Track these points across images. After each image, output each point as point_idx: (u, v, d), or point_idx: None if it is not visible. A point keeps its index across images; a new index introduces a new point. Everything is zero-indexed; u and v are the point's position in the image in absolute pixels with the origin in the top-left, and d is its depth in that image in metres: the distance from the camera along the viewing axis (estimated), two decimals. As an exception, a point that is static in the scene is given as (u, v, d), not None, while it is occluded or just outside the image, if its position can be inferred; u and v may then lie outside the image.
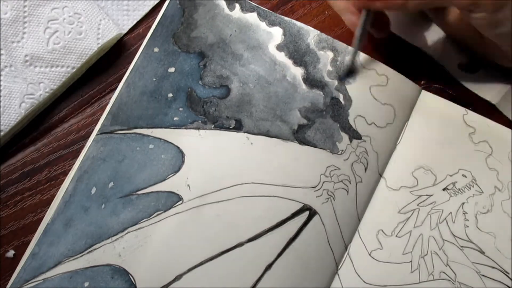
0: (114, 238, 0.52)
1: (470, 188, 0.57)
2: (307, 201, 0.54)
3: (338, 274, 0.54)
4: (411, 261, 0.55)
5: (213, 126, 0.55)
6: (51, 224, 0.52)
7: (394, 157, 0.57)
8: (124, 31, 0.61)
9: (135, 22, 0.61)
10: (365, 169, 0.56)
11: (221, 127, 0.55)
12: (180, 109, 0.56)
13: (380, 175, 0.57)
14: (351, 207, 0.55)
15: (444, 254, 0.55)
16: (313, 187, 0.55)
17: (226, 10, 0.58)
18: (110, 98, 0.56)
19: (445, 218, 0.56)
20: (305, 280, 0.53)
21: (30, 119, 0.58)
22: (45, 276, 0.51)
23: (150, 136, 0.55)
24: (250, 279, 0.52)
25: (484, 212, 0.56)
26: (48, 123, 0.58)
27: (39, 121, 0.58)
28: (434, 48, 0.61)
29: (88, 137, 0.55)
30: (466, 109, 0.58)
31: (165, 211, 0.53)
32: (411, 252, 0.55)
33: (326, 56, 0.58)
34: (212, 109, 0.56)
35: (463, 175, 0.57)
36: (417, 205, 0.56)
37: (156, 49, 0.57)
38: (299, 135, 0.55)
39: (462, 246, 0.55)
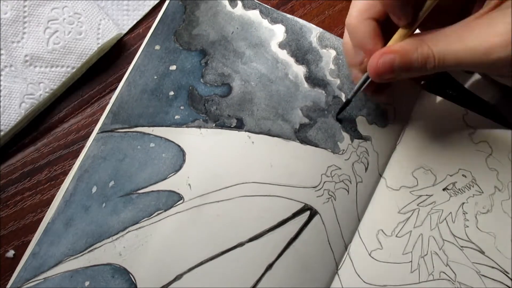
0: (114, 237, 0.52)
1: (470, 188, 0.57)
2: (308, 201, 0.54)
3: (338, 274, 0.54)
4: (411, 261, 0.55)
5: (214, 125, 0.55)
6: (52, 223, 0.52)
7: (394, 157, 0.57)
8: (124, 31, 0.61)
9: (135, 22, 0.61)
10: (366, 169, 0.56)
11: (222, 126, 0.55)
12: (181, 107, 0.55)
13: (380, 175, 0.57)
14: (351, 207, 0.55)
15: (444, 254, 0.55)
16: (314, 187, 0.55)
17: (228, 7, 0.58)
18: (110, 98, 0.56)
19: (445, 218, 0.56)
20: (305, 280, 0.53)
21: (30, 119, 0.58)
22: (45, 275, 0.51)
23: (151, 134, 0.55)
24: (251, 279, 0.52)
25: (484, 212, 0.56)
26: (48, 123, 0.58)
27: (39, 121, 0.58)
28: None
29: (88, 137, 0.55)
30: (466, 109, 0.58)
31: (165, 211, 0.53)
32: (411, 252, 0.55)
33: (329, 54, 0.58)
34: (213, 108, 0.56)
35: (463, 175, 0.57)
36: (417, 205, 0.56)
37: (157, 47, 0.57)
38: (301, 135, 0.55)
39: (462, 246, 0.55)
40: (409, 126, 0.58)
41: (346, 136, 0.56)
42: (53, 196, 0.55)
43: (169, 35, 0.57)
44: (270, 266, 0.53)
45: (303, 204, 0.54)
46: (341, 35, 0.60)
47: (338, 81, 0.57)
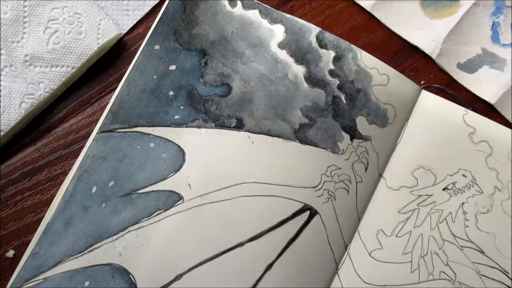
0: (114, 237, 0.52)
1: (470, 188, 0.57)
2: (308, 201, 0.54)
3: (338, 274, 0.54)
4: (411, 261, 0.55)
5: (214, 125, 0.55)
6: (52, 223, 0.52)
7: (394, 157, 0.57)
8: (124, 31, 0.61)
9: (135, 22, 0.61)
10: (366, 169, 0.56)
11: (222, 126, 0.55)
12: (181, 107, 0.55)
13: (380, 175, 0.57)
14: (351, 207, 0.56)
15: (444, 254, 0.55)
16: (314, 187, 0.55)
17: (228, 7, 0.58)
18: (110, 98, 0.56)
19: (445, 218, 0.56)
20: (305, 280, 0.53)
21: (30, 119, 0.58)
22: (45, 276, 0.51)
23: (151, 134, 0.55)
24: (251, 279, 0.52)
25: (484, 212, 0.56)
26: (48, 123, 0.58)
27: (39, 121, 0.58)
28: (433, 47, 0.61)
29: (88, 137, 0.55)
30: (466, 109, 0.58)
31: (165, 211, 0.53)
32: (411, 252, 0.55)
33: (328, 54, 0.58)
34: (213, 108, 0.56)
35: (463, 175, 0.57)
36: (417, 205, 0.56)
37: (157, 47, 0.57)
38: (300, 135, 0.56)
39: (462, 246, 0.56)
40: (409, 126, 0.58)
41: (346, 136, 0.56)
42: (53, 196, 0.55)
43: (168, 34, 0.57)
44: (270, 266, 0.53)
45: (303, 204, 0.54)
46: (341, 35, 0.60)
47: (337, 81, 0.57)
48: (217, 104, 0.56)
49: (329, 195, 0.55)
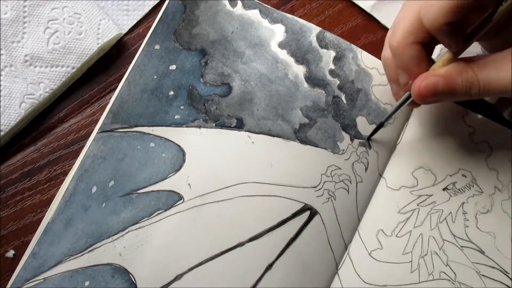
0: (114, 237, 0.52)
1: (470, 188, 0.57)
2: (308, 201, 0.54)
3: (338, 274, 0.54)
4: (411, 261, 0.55)
5: (214, 125, 0.55)
6: (52, 223, 0.52)
7: (394, 157, 0.57)
8: (124, 31, 0.61)
9: (135, 22, 0.61)
10: (366, 169, 0.56)
11: (222, 126, 0.55)
12: (181, 107, 0.55)
13: (380, 175, 0.57)
14: (351, 207, 0.56)
15: (444, 254, 0.55)
16: (314, 187, 0.55)
17: (228, 6, 0.58)
18: (110, 98, 0.56)
19: (445, 218, 0.56)
20: (305, 280, 0.53)
21: (30, 119, 0.58)
22: (45, 275, 0.51)
23: (151, 134, 0.55)
24: (251, 279, 0.52)
25: (484, 212, 0.56)
26: (48, 123, 0.58)
27: (39, 121, 0.58)
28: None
29: (88, 137, 0.55)
30: (466, 109, 0.58)
31: (165, 210, 0.53)
32: (411, 252, 0.55)
33: (329, 54, 0.58)
34: (213, 107, 0.56)
35: (463, 175, 0.57)
36: (417, 205, 0.56)
37: (157, 46, 0.57)
38: (301, 135, 0.56)
39: (462, 246, 0.55)
40: (409, 126, 0.58)
41: (346, 136, 0.56)
42: (53, 196, 0.55)
43: (169, 34, 0.57)
44: (270, 266, 0.53)
45: (303, 204, 0.54)
46: (341, 35, 0.60)
47: (338, 81, 0.57)
48: (217, 104, 0.56)
49: (329, 195, 0.55)
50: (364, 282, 0.54)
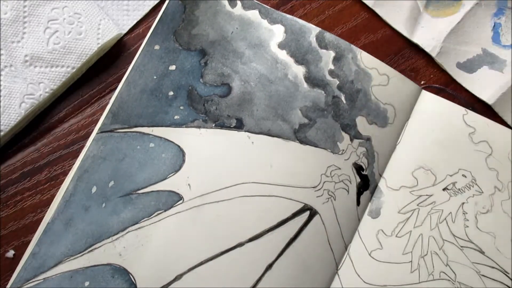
0: (114, 237, 0.52)
1: (470, 188, 0.57)
2: (308, 201, 0.54)
3: (338, 274, 0.54)
4: (411, 261, 0.55)
5: (214, 125, 0.55)
6: (52, 223, 0.52)
7: (394, 157, 0.57)
8: (124, 31, 0.61)
9: (135, 22, 0.61)
10: (366, 169, 0.56)
11: (222, 126, 0.55)
12: (181, 107, 0.56)
13: (380, 175, 0.57)
14: (351, 207, 0.56)
15: (444, 254, 0.55)
16: (313, 187, 0.55)
17: (228, 7, 0.58)
18: (110, 98, 0.56)
19: (445, 218, 0.56)
20: (305, 280, 0.53)
21: (30, 119, 0.58)
22: (45, 276, 0.51)
23: (151, 134, 0.55)
24: (251, 279, 0.52)
25: (484, 212, 0.56)
26: (48, 123, 0.58)
27: (39, 121, 0.58)
28: (433, 45, 0.61)
29: (88, 137, 0.55)
30: (466, 109, 0.58)
31: (165, 211, 0.53)
32: (411, 252, 0.55)
33: (328, 54, 0.58)
34: (213, 108, 0.56)
35: (463, 175, 0.57)
36: (417, 205, 0.56)
37: (157, 47, 0.57)
38: (300, 135, 0.56)
39: (462, 246, 0.55)
40: (409, 126, 0.58)
41: (345, 136, 0.56)
42: (53, 196, 0.55)
43: (168, 34, 0.57)
44: (270, 266, 0.53)
45: (303, 204, 0.54)
46: (341, 35, 0.60)
47: (337, 81, 0.57)
48: (217, 104, 0.56)
49: (329, 195, 0.55)
50: (364, 282, 0.54)
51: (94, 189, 0.53)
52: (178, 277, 0.51)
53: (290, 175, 0.54)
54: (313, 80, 0.57)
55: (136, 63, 0.56)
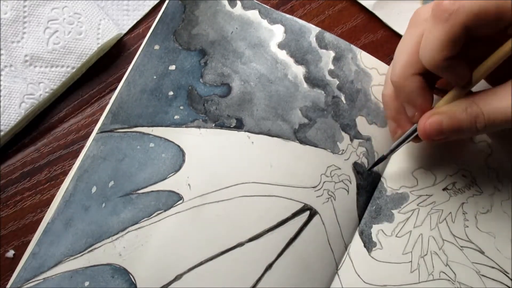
0: (114, 237, 0.52)
1: (470, 188, 0.57)
2: (308, 201, 0.54)
3: (338, 274, 0.54)
4: (411, 261, 0.55)
5: (214, 125, 0.55)
6: (52, 223, 0.52)
7: (394, 157, 0.57)
8: (124, 31, 0.61)
9: (135, 22, 0.61)
10: (366, 169, 0.56)
11: (222, 126, 0.55)
12: (181, 107, 0.55)
13: (380, 175, 0.57)
14: (351, 207, 0.56)
15: (444, 254, 0.55)
16: (313, 187, 0.55)
17: (228, 7, 0.58)
18: (110, 98, 0.56)
19: (445, 218, 0.56)
20: (305, 280, 0.53)
21: (30, 119, 0.58)
22: (45, 276, 0.51)
23: (151, 134, 0.55)
24: (251, 279, 0.52)
25: (484, 212, 0.56)
26: (48, 123, 0.58)
27: (39, 121, 0.58)
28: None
29: (88, 137, 0.55)
30: (466, 109, 0.58)
31: (165, 211, 0.53)
32: (411, 252, 0.55)
33: (328, 54, 0.58)
34: (213, 108, 0.56)
35: (463, 175, 0.57)
36: (417, 205, 0.56)
37: (156, 47, 0.57)
38: (300, 135, 0.56)
39: (462, 246, 0.55)
40: (409, 126, 0.58)
41: (345, 136, 0.56)
42: (53, 196, 0.55)
43: (168, 34, 0.57)
44: (270, 266, 0.53)
45: (303, 204, 0.54)
46: (341, 35, 0.60)
47: (337, 81, 0.57)
48: (217, 104, 0.56)
49: (329, 195, 0.55)
50: (364, 282, 0.54)
51: (94, 189, 0.53)
52: (178, 277, 0.51)
53: (290, 175, 0.54)
54: (313, 80, 0.57)
55: (136, 63, 0.56)
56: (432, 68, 0.45)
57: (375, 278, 0.54)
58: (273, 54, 0.57)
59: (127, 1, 0.61)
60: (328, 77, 0.57)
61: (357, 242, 0.55)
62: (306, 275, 0.53)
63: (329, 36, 0.58)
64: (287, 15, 0.58)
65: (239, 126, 0.55)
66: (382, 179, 0.57)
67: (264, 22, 0.58)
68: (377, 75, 0.58)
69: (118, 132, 0.55)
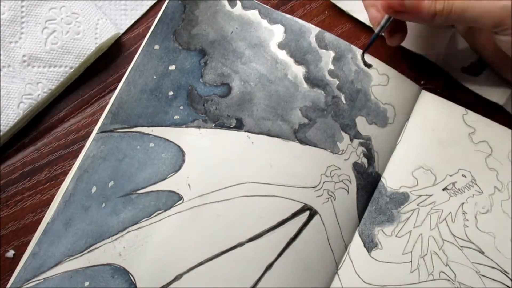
0: (114, 237, 0.52)
1: (469, 188, 0.57)
2: (308, 201, 0.54)
3: (338, 274, 0.54)
4: (411, 261, 0.55)
5: (213, 125, 0.55)
6: (52, 223, 0.52)
7: (394, 157, 0.57)
8: (122, 31, 0.61)
9: (133, 21, 0.61)
10: (366, 169, 0.56)
11: (221, 126, 0.55)
12: (181, 107, 0.55)
13: (380, 175, 0.57)
14: (351, 207, 0.56)
15: (444, 254, 0.55)
16: (313, 187, 0.55)
17: (228, 7, 0.58)
18: (110, 98, 0.56)
19: (445, 218, 0.56)
20: (305, 280, 0.53)
21: (29, 120, 0.58)
22: (45, 276, 0.51)
23: (151, 134, 0.54)
24: (251, 279, 0.52)
25: (483, 212, 0.56)
26: (48, 123, 0.58)
27: (39, 121, 0.58)
28: (437, 53, 0.61)
29: (88, 137, 0.55)
30: (466, 109, 0.58)
31: (165, 211, 0.53)
32: (411, 252, 0.55)
33: (328, 54, 0.58)
34: (213, 108, 0.56)
35: (463, 175, 0.57)
36: (417, 205, 0.56)
37: (156, 47, 0.57)
38: (300, 135, 0.55)
39: (461, 246, 0.55)
40: (409, 126, 0.58)
41: (345, 136, 0.56)
42: (53, 196, 0.55)
43: (168, 34, 0.57)
44: (269, 266, 0.53)
45: (303, 204, 0.54)
46: (341, 35, 0.60)
47: (337, 81, 0.57)
48: (216, 104, 0.56)
49: (329, 195, 0.55)
50: (364, 282, 0.54)
51: (94, 189, 0.53)
52: (178, 277, 0.51)
53: (290, 175, 0.54)
54: (313, 80, 0.57)
55: (136, 63, 0.56)
56: None
57: (375, 278, 0.54)
58: (273, 54, 0.57)
59: (125, 1, 0.61)
60: (328, 77, 0.57)
61: (357, 242, 0.55)
62: (306, 275, 0.53)
63: (329, 36, 0.58)
64: (287, 15, 0.58)
65: (239, 126, 0.55)
66: (382, 179, 0.57)
67: (264, 22, 0.58)
68: (377, 75, 0.58)
69: (118, 132, 0.54)
